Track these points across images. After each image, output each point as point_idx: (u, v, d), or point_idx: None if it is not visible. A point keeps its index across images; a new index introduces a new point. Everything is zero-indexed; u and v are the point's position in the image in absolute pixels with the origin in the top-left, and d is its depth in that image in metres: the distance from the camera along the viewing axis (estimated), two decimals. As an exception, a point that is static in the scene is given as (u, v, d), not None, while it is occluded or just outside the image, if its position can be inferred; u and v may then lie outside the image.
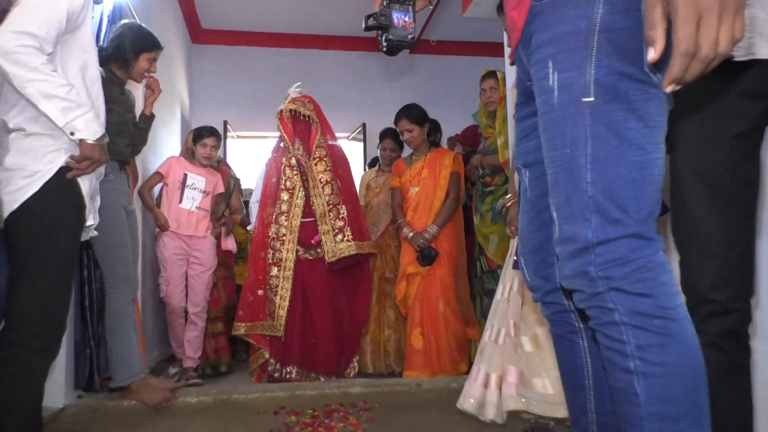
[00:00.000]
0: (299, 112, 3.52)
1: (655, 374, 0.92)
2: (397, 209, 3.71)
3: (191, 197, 3.57)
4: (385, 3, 1.31)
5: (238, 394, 2.78)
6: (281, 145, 3.59)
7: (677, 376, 0.92)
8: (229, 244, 3.93)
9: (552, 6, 0.99)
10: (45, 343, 1.64)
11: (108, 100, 2.05)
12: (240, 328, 3.33)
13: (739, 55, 1.14)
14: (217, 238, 3.73)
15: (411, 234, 3.48)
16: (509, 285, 2.26)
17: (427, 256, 3.40)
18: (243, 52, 6.58)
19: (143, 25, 2.85)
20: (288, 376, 3.29)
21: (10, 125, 1.65)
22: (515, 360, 2.11)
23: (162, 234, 3.49)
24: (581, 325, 1.17)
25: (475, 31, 6.36)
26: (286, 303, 3.32)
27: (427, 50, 6.69)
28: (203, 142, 3.66)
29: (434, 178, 3.57)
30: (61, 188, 1.65)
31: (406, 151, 4.01)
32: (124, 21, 2.89)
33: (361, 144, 6.38)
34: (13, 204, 1.61)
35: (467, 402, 2.21)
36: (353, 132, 6.50)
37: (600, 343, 0.99)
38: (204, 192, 3.65)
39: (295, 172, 3.48)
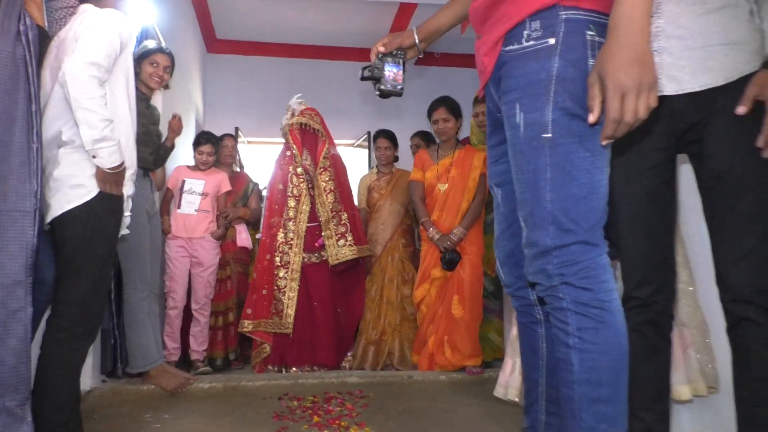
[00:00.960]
0: (309, 126, 3.80)
1: (588, 350, 1.15)
2: (420, 203, 3.65)
3: (189, 201, 3.80)
4: (378, 56, 1.51)
5: (246, 381, 3.07)
6: (287, 153, 3.83)
7: (605, 353, 1.15)
8: (245, 240, 4.12)
9: (517, 58, 1.24)
10: (86, 329, 1.94)
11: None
12: (248, 326, 3.56)
13: None
14: (218, 238, 3.91)
15: (438, 236, 3.45)
16: None
17: (450, 261, 3.40)
18: (255, 61, 6.86)
19: (162, 41, 3.15)
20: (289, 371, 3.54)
21: (64, 137, 1.93)
22: None
23: (167, 236, 3.73)
24: (541, 317, 1.40)
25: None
26: (294, 303, 3.57)
27: (431, 62, 6.96)
28: (199, 149, 3.90)
29: (464, 179, 3.53)
30: (105, 200, 1.94)
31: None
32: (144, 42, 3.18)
33: (366, 151, 6.66)
34: (59, 210, 1.90)
35: (497, 390, 2.47)
36: (358, 139, 6.79)
37: (552, 324, 1.24)
38: (203, 194, 3.83)
39: (301, 180, 3.74)
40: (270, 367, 3.54)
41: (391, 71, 1.52)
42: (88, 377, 2.77)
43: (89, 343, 1.99)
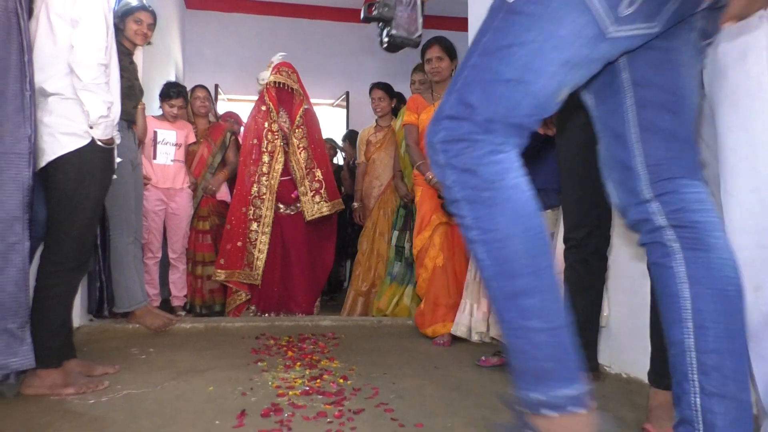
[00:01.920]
0: (285, 85, 3.89)
1: (490, 240, 1.01)
2: (414, 147, 3.36)
3: (164, 152, 3.88)
4: None
5: (226, 323, 3.28)
6: (262, 108, 3.90)
7: (509, 238, 1.00)
8: (224, 194, 4.24)
9: None
10: (77, 263, 2.11)
11: (120, 69, 2.46)
12: (220, 275, 3.75)
13: None
14: (194, 190, 4.05)
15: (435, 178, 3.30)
16: None
17: None
18: (235, 18, 6.91)
19: None
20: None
21: (50, 90, 2.06)
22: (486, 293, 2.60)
23: (145, 189, 3.73)
24: (677, 245, 1.07)
25: (461, 8, 6.71)
26: (264, 255, 3.74)
27: (433, 26, 7.05)
28: (170, 102, 3.93)
29: None
30: (96, 147, 2.09)
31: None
32: None
33: (344, 111, 6.79)
34: (53, 155, 2.05)
35: (459, 329, 2.70)
36: (337, 99, 6.91)
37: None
38: (176, 145, 3.92)
39: (276, 137, 3.84)
40: (249, 308, 3.76)
41: (404, 12, 1.19)
42: (77, 316, 2.94)
43: (80, 276, 2.17)
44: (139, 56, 3.58)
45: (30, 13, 2.10)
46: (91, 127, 2.07)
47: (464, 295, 2.71)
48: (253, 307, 3.80)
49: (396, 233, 3.95)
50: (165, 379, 2.19)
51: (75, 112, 2.06)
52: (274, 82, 3.88)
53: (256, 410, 1.83)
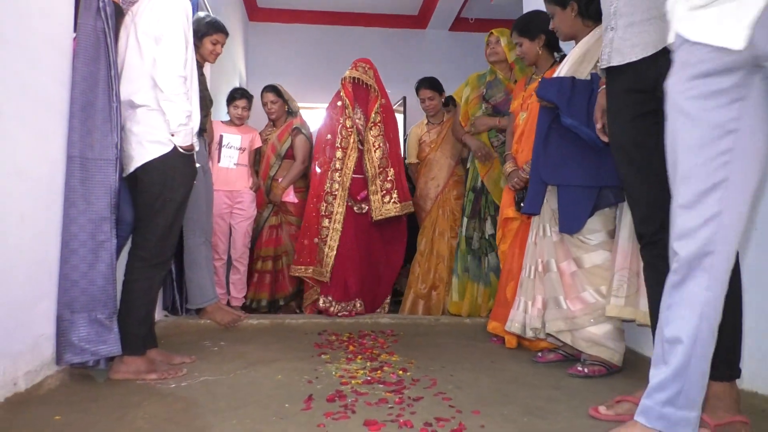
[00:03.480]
0: (361, 81, 3.81)
1: None
2: (509, 137, 3.15)
3: (228, 155, 4.00)
4: None
5: (290, 320, 3.44)
6: (338, 104, 3.82)
7: None
8: (291, 198, 4.20)
9: None
10: (161, 260, 2.30)
11: (193, 81, 2.65)
12: (295, 270, 3.80)
13: (603, 65, 1.80)
14: (256, 191, 4.13)
15: (510, 170, 2.94)
16: (535, 231, 2.69)
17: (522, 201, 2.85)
18: (294, 29, 7.16)
19: (210, 13, 3.45)
20: (336, 312, 3.58)
21: (138, 102, 2.26)
22: (541, 290, 2.61)
23: None
24: None
25: (510, 11, 6.75)
26: (334, 252, 3.64)
27: (465, 28, 7.13)
28: (234, 104, 4.06)
29: None
30: (179, 153, 2.26)
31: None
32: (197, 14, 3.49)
33: (402, 116, 6.90)
34: (141, 161, 2.24)
35: (513, 326, 2.69)
36: (394, 105, 6.99)
37: None
38: (240, 149, 4.01)
39: (350, 133, 3.75)
40: (322, 304, 3.63)
41: None
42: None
43: (163, 272, 2.36)
44: (207, 68, 3.81)
45: (116, 32, 2.31)
46: (172, 135, 2.24)
47: (518, 292, 2.72)
48: (330, 297, 3.64)
49: (465, 221, 3.71)
50: (236, 368, 2.35)
51: (159, 121, 2.25)
52: (351, 78, 3.81)
53: (321, 396, 1.95)
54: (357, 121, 3.78)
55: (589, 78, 2.44)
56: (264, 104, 4.30)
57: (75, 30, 2.18)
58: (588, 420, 1.77)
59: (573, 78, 2.44)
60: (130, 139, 2.25)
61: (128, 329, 2.18)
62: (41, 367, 1.99)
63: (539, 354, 2.62)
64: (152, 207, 2.25)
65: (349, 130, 3.77)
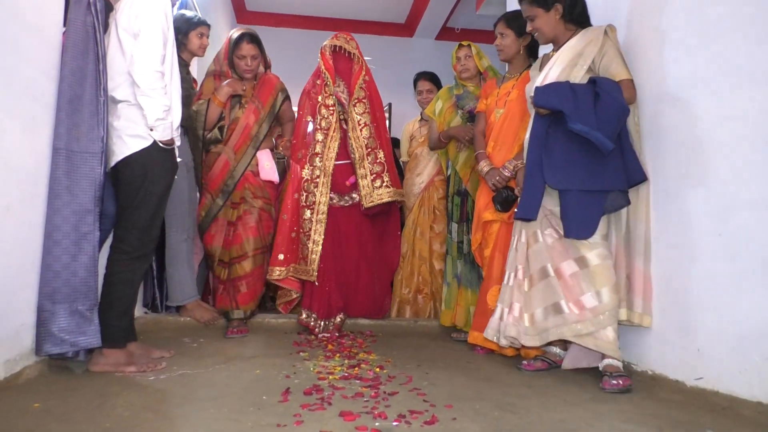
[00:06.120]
0: (343, 49, 3.45)
1: None
2: (479, 136, 3.04)
3: None
4: None
5: (269, 319, 3.45)
6: (317, 82, 3.47)
7: None
8: (269, 172, 3.39)
9: None
10: (142, 253, 2.33)
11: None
12: (278, 274, 3.26)
13: None
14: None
15: (487, 169, 2.87)
16: (517, 237, 2.60)
17: (503, 201, 2.78)
18: (281, 33, 7.20)
19: (197, 13, 3.47)
20: (318, 332, 3.19)
21: (119, 97, 2.29)
22: (519, 298, 2.51)
23: None
24: None
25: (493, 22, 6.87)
26: (319, 248, 3.24)
27: (451, 37, 7.23)
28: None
29: (522, 101, 2.82)
30: (159, 148, 2.30)
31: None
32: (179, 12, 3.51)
33: (387, 123, 6.97)
34: (121, 155, 2.27)
35: (488, 332, 2.59)
36: (379, 111, 7.08)
37: None
38: None
39: (331, 112, 3.37)
40: (311, 323, 3.25)
41: None
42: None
43: (145, 265, 2.39)
44: (194, 68, 3.85)
45: (105, 27, 2.34)
46: (151, 129, 2.27)
47: (498, 299, 2.67)
48: (314, 314, 3.26)
49: (454, 226, 3.43)
50: (215, 363, 2.38)
51: (139, 116, 2.28)
52: (331, 46, 3.44)
53: (299, 389, 1.99)
54: (340, 94, 3.38)
55: (586, 82, 2.37)
56: (241, 58, 3.44)
57: (65, 24, 2.21)
58: (558, 414, 1.83)
59: (568, 83, 2.36)
60: (112, 133, 2.28)
61: (109, 321, 2.20)
62: (20, 357, 2.00)
63: (524, 362, 2.55)
64: (133, 200, 2.28)
65: (331, 108, 3.36)
